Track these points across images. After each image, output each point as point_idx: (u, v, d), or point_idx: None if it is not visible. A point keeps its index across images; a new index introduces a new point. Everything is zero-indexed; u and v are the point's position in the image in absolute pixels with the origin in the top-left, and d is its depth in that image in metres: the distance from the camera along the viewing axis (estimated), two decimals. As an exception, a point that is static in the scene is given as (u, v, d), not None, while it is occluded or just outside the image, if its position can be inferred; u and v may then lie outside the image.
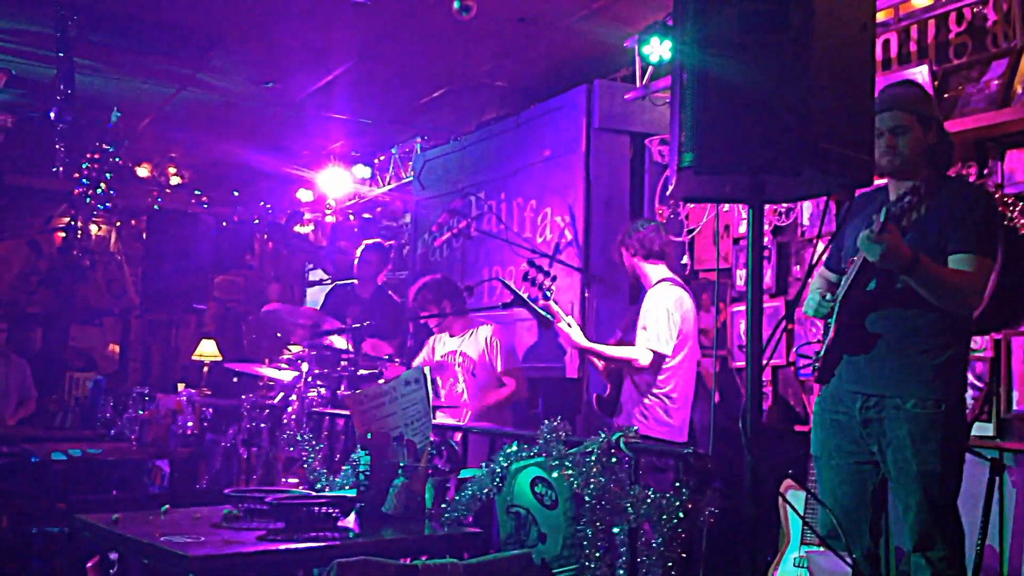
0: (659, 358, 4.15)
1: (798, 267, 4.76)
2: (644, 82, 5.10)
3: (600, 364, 4.36)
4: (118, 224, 10.26)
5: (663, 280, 4.32)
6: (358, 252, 6.32)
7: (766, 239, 4.80)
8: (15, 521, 4.53)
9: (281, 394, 5.30)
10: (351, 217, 9.15)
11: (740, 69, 2.24)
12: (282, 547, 2.45)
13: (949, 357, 2.80)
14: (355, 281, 6.31)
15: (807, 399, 4.58)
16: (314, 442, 3.67)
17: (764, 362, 2.34)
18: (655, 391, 4.19)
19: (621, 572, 2.16)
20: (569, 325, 4.14)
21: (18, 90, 6.69)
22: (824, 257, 3.14)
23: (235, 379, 7.51)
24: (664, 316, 4.16)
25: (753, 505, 2.19)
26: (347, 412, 3.76)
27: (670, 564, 2.00)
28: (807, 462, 3.97)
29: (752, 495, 2.18)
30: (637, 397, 4.20)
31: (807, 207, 4.71)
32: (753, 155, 2.22)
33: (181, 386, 7.40)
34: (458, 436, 3.94)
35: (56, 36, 5.59)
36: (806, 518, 3.67)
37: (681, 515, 2.00)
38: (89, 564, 3.61)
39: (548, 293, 4.12)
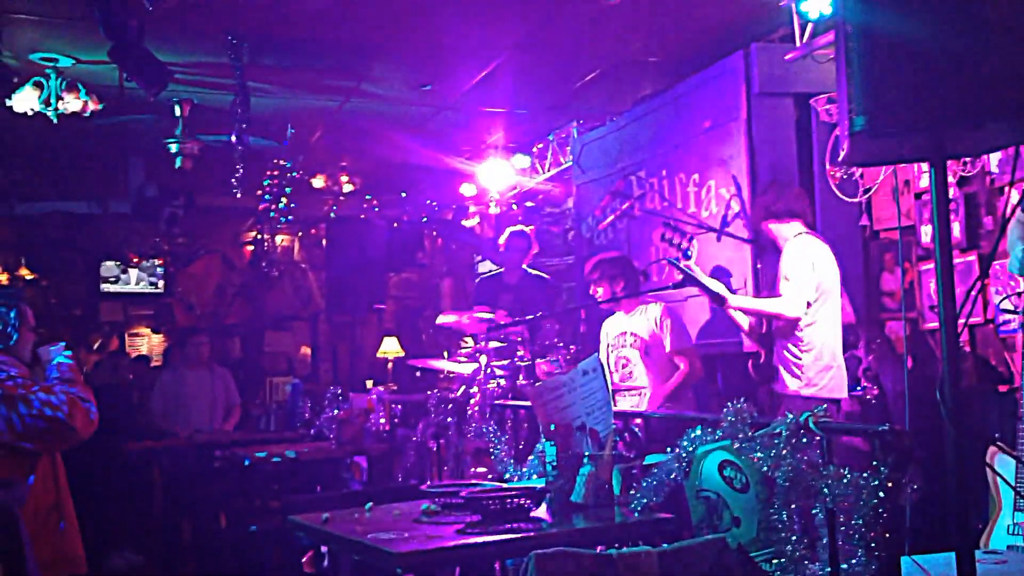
0: (802, 313, 4.06)
1: (990, 218, 4.46)
2: (804, 40, 4.90)
3: (745, 325, 4.28)
4: (300, 234, 10.86)
5: (799, 234, 4.22)
6: (502, 239, 6.40)
7: (951, 191, 4.53)
8: (233, 520, 4.90)
9: (463, 387, 5.46)
10: (514, 207, 9.29)
11: (909, 20, 2.12)
12: (480, 540, 2.53)
13: None
14: (502, 270, 6.40)
15: (1010, 357, 4.30)
16: (499, 433, 3.76)
17: (960, 322, 2.22)
18: (803, 349, 4.08)
19: (821, 553, 2.11)
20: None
21: (202, 117, 7.18)
22: (1020, 205, 2.94)
23: (418, 374, 7.80)
24: (806, 269, 4.07)
25: (958, 476, 2.08)
26: (528, 403, 3.84)
27: (873, 544, 1.93)
28: (1015, 424, 3.73)
29: (956, 466, 2.08)
30: (788, 358, 4.12)
31: (995, 153, 4.40)
32: (931, 112, 2.10)
33: (370, 383, 7.74)
34: (639, 421, 3.94)
35: (231, 64, 5.97)
36: (1016, 485, 3.44)
37: (881, 494, 1.93)
38: (304, 559, 3.87)
39: (689, 253, 4.08)
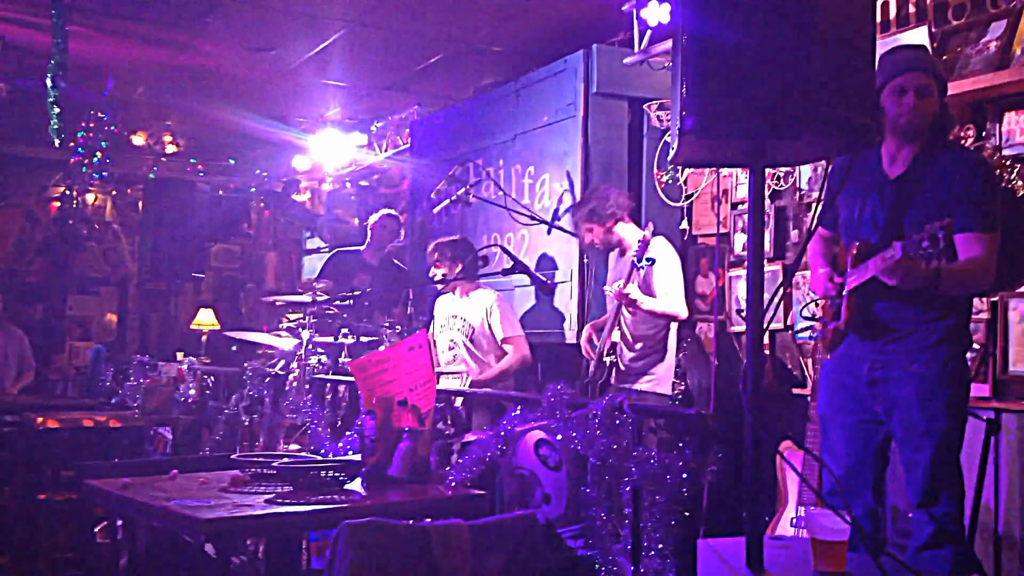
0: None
1: (796, 231, 4.78)
2: (643, 46, 5.08)
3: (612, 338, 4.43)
4: (114, 193, 10.22)
5: (654, 235, 4.37)
6: (374, 219, 6.40)
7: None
8: (22, 489, 4.56)
9: (282, 361, 5.33)
10: (348, 185, 9.13)
11: (741, 32, 2.24)
12: (290, 509, 2.47)
13: (954, 320, 2.84)
14: (361, 248, 6.39)
15: (804, 362, 4.62)
16: (317, 409, 3.69)
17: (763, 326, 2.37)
18: (662, 353, 4.36)
19: (625, 531, 2.20)
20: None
21: (13, 58, 6.65)
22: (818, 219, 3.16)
23: (234, 347, 7.54)
24: (679, 273, 4.37)
25: (753, 465, 2.22)
26: (350, 378, 3.79)
27: (672, 523, 2.03)
28: (805, 424, 4.02)
29: (752, 455, 2.22)
30: (650, 361, 4.37)
31: (805, 171, 4.72)
32: (754, 119, 2.23)
33: (180, 354, 7.42)
34: (461, 400, 3.97)
35: (50, 2, 5.54)
36: (804, 478, 3.71)
37: (683, 475, 2.04)
38: (97, 529, 3.65)
39: (642, 267, 4.18)
